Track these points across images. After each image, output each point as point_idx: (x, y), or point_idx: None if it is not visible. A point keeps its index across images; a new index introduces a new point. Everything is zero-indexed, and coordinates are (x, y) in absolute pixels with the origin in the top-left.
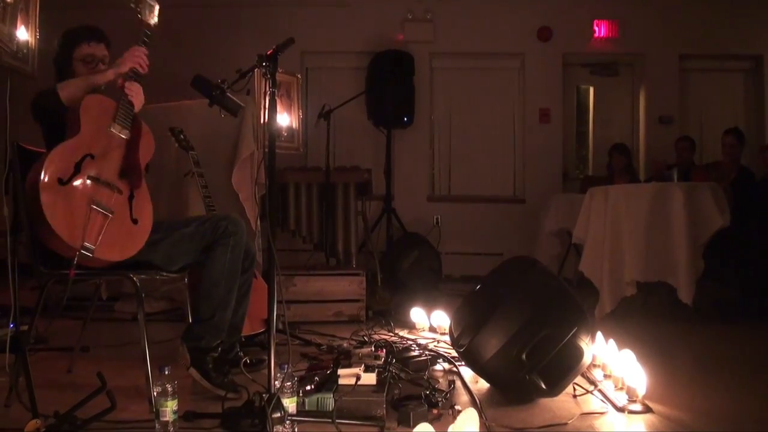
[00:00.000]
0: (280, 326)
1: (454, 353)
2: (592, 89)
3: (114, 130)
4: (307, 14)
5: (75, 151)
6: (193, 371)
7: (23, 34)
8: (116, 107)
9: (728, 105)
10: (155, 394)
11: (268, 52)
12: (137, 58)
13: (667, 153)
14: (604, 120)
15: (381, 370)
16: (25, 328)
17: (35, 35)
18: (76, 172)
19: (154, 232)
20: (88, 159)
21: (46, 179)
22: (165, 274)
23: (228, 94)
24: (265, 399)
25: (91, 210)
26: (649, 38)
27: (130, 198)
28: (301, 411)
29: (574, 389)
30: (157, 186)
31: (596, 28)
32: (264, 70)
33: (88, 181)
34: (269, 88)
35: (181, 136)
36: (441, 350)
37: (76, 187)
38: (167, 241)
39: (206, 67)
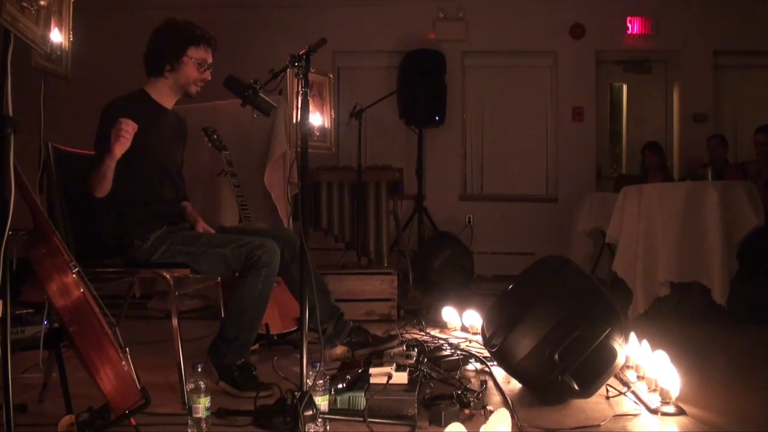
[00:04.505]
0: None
1: (486, 353)
2: (625, 87)
3: None
4: (338, 14)
5: None
6: (222, 384)
7: (57, 36)
8: None
9: (764, 102)
10: (188, 390)
11: (301, 53)
12: (120, 134)
13: (701, 151)
14: (637, 118)
15: (412, 369)
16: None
17: (69, 37)
18: None
19: (192, 244)
20: None
21: None
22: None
23: (260, 94)
24: (298, 397)
25: None
26: (682, 34)
27: None
28: (332, 409)
29: (607, 390)
30: (191, 186)
31: (629, 25)
32: (296, 70)
33: None
34: (302, 87)
35: (214, 136)
36: (473, 350)
37: None
38: (202, 255)
39: (239, 67)
